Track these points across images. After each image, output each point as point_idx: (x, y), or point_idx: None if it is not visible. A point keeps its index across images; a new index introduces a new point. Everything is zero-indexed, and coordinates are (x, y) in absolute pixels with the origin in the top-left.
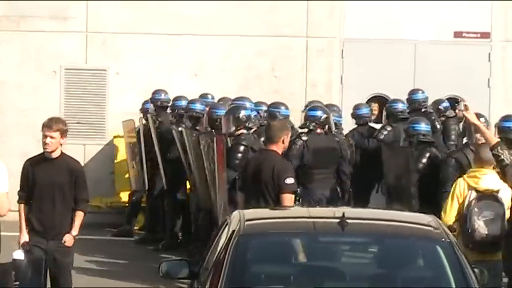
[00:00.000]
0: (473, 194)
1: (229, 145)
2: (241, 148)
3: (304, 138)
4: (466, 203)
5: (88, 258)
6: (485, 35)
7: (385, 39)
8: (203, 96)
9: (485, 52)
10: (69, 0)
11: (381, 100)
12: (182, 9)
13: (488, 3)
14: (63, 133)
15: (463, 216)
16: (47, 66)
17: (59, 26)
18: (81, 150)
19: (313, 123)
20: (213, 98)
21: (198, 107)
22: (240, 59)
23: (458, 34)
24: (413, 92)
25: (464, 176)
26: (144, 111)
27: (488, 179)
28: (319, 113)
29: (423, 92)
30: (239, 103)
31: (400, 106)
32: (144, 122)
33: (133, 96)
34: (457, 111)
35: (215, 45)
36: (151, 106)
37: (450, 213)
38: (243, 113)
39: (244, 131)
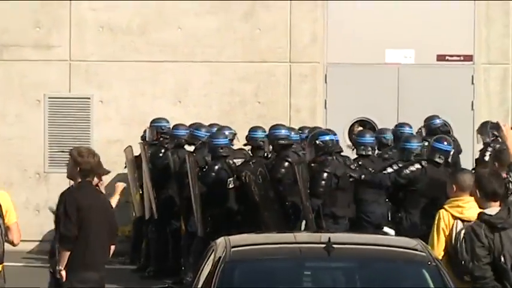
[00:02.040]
0: (460, 224)
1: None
2: (325, 175)
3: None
4: (454, 234)
5: None
6: (468, 58)
7: (368, 63)
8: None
9: (468, 75)
10: (52, 26)
11: (364, 124)
12: (165, 37)
13: (471, 26)
14: None
15: (453, 249)
16: (30, 95)
17: (42, 55)
18: (66, 179)
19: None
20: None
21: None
22: (223, 85)
23: (441, 57)
24: (431, 118)
25: (445, 206)
26: (144, 138)
27: (471, 206)
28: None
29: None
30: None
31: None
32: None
33: (117, 123)
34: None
35: (198, 72)
36: (149, 132)
37: (438, 247)
38: (319, 139)
39: (329, 157)
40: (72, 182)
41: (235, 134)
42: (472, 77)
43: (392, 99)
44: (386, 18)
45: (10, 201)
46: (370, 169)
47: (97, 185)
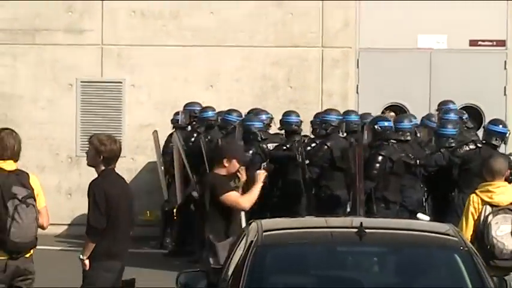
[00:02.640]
0: (488, 209)
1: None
2: (380, 158)
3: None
4: (482, 218)
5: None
6: (501, 43)
7: (401, 48)
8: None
9: (501, 60)
10: (84, 11)
11: (396, 110)
12: (197, 21)
13: (504, 11)
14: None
15: (480, 233)
16: (62, 80)
17: (75, 39)
18: None
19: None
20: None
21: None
22: (255, 69)
23: (473, 42)
24: (445, 102)
25: (476, 191)
26: (174, 122)
27: (501, 191)
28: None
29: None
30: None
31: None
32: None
33: (149, 108)
34: None
35: (230, 56)
36: (182, 116)
37: (466, 231)
38: (378, 125)
39: (384, 142)
40: None
41: (272, 118)
42: (505, 62)
43: (424, 84)
44: (419, 4)
45: (40, 186)
46: (410, 155)
47: (238, 171)
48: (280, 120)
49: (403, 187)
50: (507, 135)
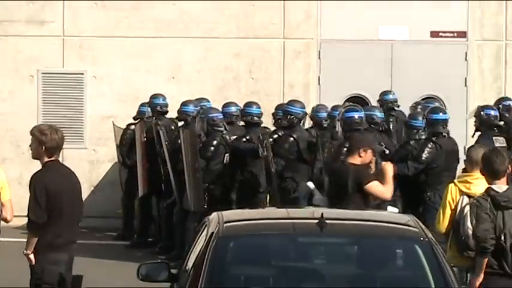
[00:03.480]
0: (466, 200)
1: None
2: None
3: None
4: (459, 208)
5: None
6: (462, 34)
7: (362, 39)
8: (198, 100)
9: (461, 51)
10: (45, 2)
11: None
12: (158, 12)
13: (465, 2)
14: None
15: (456, 223)
16: (23, 71)
17: (36, 30)
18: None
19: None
20: (208, 101)
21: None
22: (217, 61)
23: (434, 34)
24: (384, 93)
25: (455, 180)
26: (138, 113)
27: (478, 183)
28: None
29: (394, 94)
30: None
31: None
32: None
33: (110, 99)
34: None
35: (192, 48)
36: (148, 110)
37: (443, 221)
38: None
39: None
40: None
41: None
42: (466, 53)
43: (385, 75)
44: None
45: (5, 179)
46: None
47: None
48: (241, 111)
49: None
50: (448, 120)
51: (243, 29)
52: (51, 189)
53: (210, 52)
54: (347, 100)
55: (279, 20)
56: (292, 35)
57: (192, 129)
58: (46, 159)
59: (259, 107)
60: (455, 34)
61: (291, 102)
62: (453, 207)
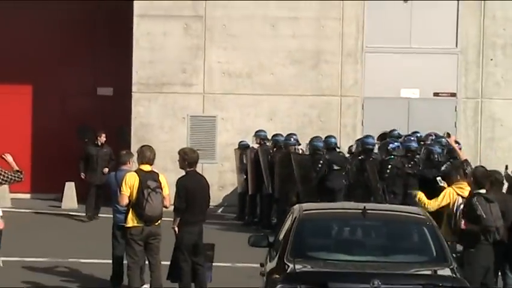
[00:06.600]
0: (460, 200)
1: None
2: (389, 167)
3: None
4: (456, 205)
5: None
6: (453, 94)
7: (389, 97)
8: (289, 135)
9: (452, 106)
10: (193, 72)
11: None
12: (263, 78)
13: (455, 74)
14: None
15: (451, 215)
16: (179, 115)
17: (186, 89)
18: (199, 168)
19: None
20: (295, 135)
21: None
22: (298, 110)
23: (436, 94)
24: (366, 136)
25: (453, 186)
26: (241, 145)
27: (467, 190)
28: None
29: (373, 138)
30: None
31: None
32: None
33: (232, 133)
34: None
35: (283, 101)
36: (254, 139)
37: (436, 204)
38: (390, 146)
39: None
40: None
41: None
42: (455, 107)
43: (404, 120)
44: (402, 64)
45: (165, 181)
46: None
47: None
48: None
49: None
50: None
51: (315, 90)
52: (189, 187)
53: (295, 104)
54: (379, 136)
55: (337, 84)
56: (346, 94)
57: (284, 152)
58: (188, 169)
59: (321, 139)
60: (449, 94)
61: (367, 136)
62: (449, 202)
